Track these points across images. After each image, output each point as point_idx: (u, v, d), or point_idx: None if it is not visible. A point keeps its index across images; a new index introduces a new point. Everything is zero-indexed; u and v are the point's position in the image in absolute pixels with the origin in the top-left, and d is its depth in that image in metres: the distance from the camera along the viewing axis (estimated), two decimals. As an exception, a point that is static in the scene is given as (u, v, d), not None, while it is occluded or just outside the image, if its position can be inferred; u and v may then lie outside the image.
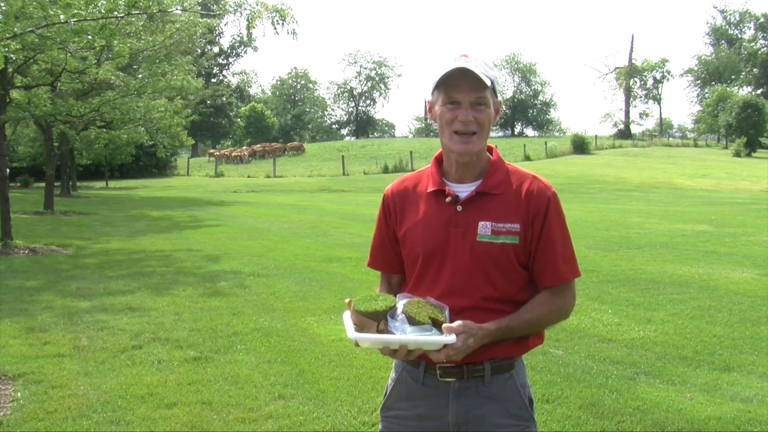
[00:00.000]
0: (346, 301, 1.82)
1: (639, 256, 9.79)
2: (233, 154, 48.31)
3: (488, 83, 1.82)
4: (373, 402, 4.12)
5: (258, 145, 52.59)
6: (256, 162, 45.65)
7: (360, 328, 1.74)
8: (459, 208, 1.88)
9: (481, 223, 1.86)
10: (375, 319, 1.73)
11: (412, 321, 1.72)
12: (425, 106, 1.96)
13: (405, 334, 1.71)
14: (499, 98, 1.91)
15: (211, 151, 53.84)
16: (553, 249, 1.88)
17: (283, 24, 8.93)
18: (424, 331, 1.71)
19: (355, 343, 1.76)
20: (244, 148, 53.55)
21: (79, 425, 3.90)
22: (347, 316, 1.81)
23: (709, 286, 7.70)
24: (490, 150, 1.98)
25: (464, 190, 1.91)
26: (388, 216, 2.02)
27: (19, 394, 4.39)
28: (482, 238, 1.85)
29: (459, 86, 1.83)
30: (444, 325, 1.73)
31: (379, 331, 1.73)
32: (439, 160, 1.99)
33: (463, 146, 1.86)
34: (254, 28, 8.89)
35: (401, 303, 1.78)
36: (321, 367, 4.90)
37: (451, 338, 1.71)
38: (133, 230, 14.34)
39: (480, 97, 1.84)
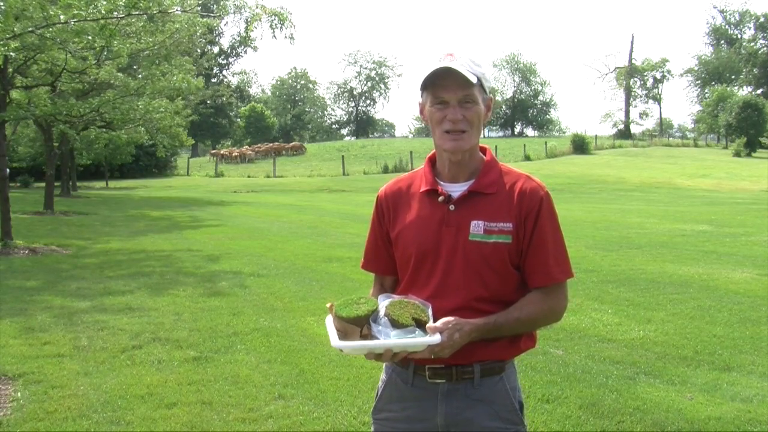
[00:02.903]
0: (328, 305, 1.80)
1: (639, 256, 9.79)
2: (233, 154, 48.29)
3: (474, 80, 1.81)
4: (372, 402, 4.11)
5: (268, 144, 52.61)
6: (256, 162, 45.65)
7: (343, 334, 1.73)
8: (452, 207, 1.88)
9: (473, 222, 1.85)
10: (358, 325, 1.71)
11: (395, 324, 1.70)
12: (419, 108, 1.96)
13: (389, 338, 1.69)
14: (490, 94, 1.91)
15: (214, 151, 53.82)
16: (545, 249, 1.87)
17: (281, 28, 8.95)
18: (407, 333, 1.69)
19: (340, 350, 1.75)
20: (245, 147, 53.59)
21: (79, 425, 3.90)
22: (330, 322, 1.80)
23: (709, 286, 7.70)
24: (483, 150, 1.97)
25: (457, 189, 1.90)
26: (381, 217, 2.01)
27: (19, 394, 4.38)
28: (474, 238, 1.84)
29: (445, 86, 1.83)
30: (428, 326, 1.72)
31: (362, 337, 1.71)
32: (432, 160, 1.99)
33: (454, 143, 1.85)
34: (253, 31, 8.97)
35: (383, 305, 1.76)
36: (321, 367, 4.90)
37: (435, 339, 1.70)
38: (133, 230, 14.34)
39: (467, 95, 1.83)
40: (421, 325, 1.72)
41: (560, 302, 1.92)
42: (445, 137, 1.85)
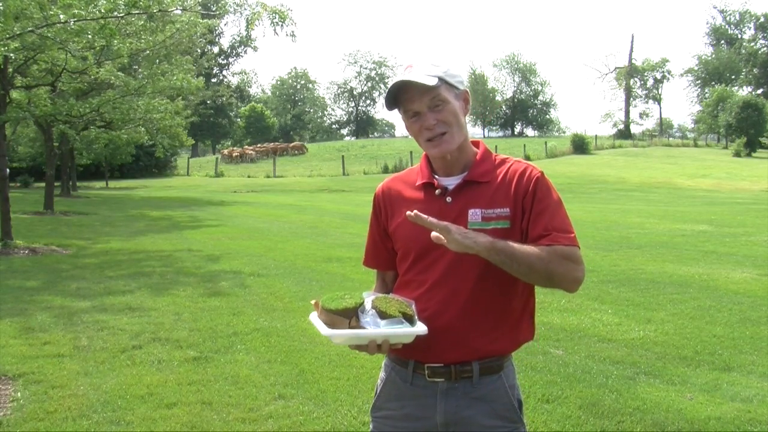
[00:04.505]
0: (312, 302, 1.84)
1: (639, 256, 9.79)
2: (233, 154, 48.29)
3: (433, 83, 1.81)
4: (372, 401, 4.11)
5: (270, 144, 52.70)
6: (256, 162, 45.66)
7: (331, 325, 1.76)
8: (448, 199, 1.89)
9: (471, 211, 1.85)
10: (346, 317, 1.76)
11: (383, 315, 1.75)
12: (405, 125, 1.98)
13: (379, 328, 1.74)
14: (461, 87, 1.89)
15: (222, 150, 53.84)
16: (542, 220, 1.82)
17: (282, 25, 8.94)
18: (395, 323, 1.74)
19: (330, 339, 1.78)
20: (245, 147, 53.63)
21: (79, 425, 3.90)
22: (315, 317, 1.83)
23: (709, 286, 7.70)
24: (477, 145, 1.98)
25: (452, 182, 1.92)
26: (378, 214, 2.04)
27: (19, 394, 4.39)
28: (473, 226, 1.83)
29: (410, 98, 1.84)
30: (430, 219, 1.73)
31: (351, 328, 1.76)
32: (428, 157, 2.00)
33: (438, 149, 1.87)
34: (253, 29, 8.96)
35: (369, 299, 1.81)
36: (321, 367, 4.90)
37: (422, 329, 1.74)
38: (133, 230, 14.34)
39: (433, 98, 1.83)
40: (408, 318, 1.76)
41: (574, 260, 1.80)
42: (428, 145, 1.88)
